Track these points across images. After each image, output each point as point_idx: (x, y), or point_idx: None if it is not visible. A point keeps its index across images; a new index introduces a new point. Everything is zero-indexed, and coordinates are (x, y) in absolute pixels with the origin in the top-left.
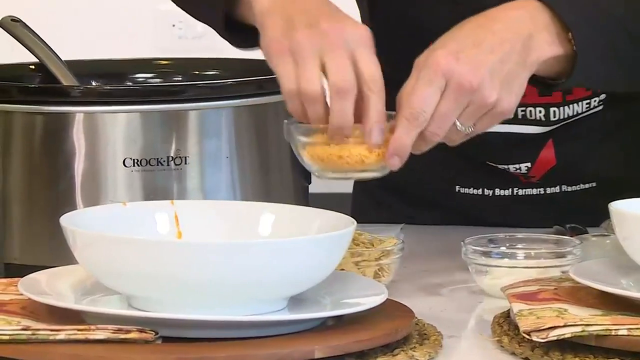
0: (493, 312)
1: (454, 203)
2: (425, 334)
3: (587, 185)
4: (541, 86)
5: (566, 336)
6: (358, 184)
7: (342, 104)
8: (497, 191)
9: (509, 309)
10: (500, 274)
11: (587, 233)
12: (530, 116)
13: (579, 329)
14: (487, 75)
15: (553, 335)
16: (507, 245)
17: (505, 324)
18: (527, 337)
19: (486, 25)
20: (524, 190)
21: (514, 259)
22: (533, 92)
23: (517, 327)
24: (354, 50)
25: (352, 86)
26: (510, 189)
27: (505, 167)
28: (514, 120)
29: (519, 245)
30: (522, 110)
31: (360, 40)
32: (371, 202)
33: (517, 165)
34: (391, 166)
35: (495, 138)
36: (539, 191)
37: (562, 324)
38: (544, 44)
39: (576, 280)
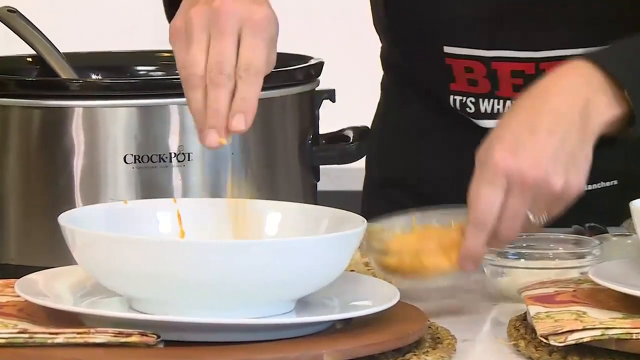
0: (509, 314)
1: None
2: (438, 338)
3: (608, 184)
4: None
5: (585, 340)
6: (368, 183)
7: (216, 91)
8: None
9: (525, 312)
10: (516, 275)
11: (607, 233)
12: None
13: (598, 332)
14: (549, 164)
15: (571, 339)
16: (524, 245)
17: (522, 327)
18: (545, 341)
19: (540, 104)
20: None
21: (531, 259)
22: None
23: (534, 331)
24: (241, 32)
25: (227, 71)
26: None
27: None
28: None
29: (537, 246)
30: None
31: (250, 22)
32: (383, 202)
33: None
34: (462, 267)
35: None
36: None
37: (581, 327)
38: (603, 108)
39: (596, 282)
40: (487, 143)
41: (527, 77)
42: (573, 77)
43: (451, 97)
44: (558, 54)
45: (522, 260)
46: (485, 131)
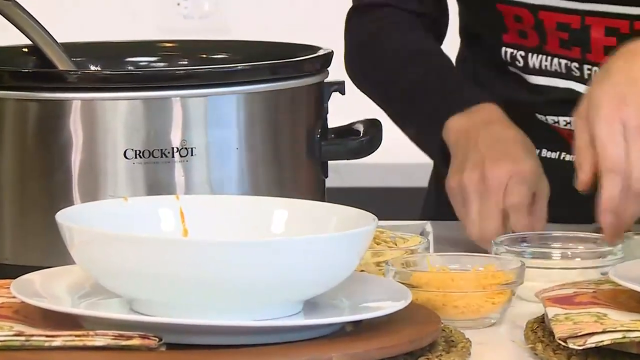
0: (526, 317)
1: None
2: (452, 341)
3: None
4: None
5: (605, 343)
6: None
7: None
8: (544, 152)
9: (543, 314)
10: (533, 275)
11: (630, 231)
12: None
13: (619, 335)
14: None
15: (591, 342)
16: (541, 244)
17: (540, 329)
18: (563, 344)
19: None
20: (572, 156)
21: (548, 259)
22: (601, 52)
23: (552, 334)
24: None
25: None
26: (557, 152)
27: (555, 119)
28: (578, 78)
29: (555, 245)
30: (588, 70)
31: (516, 174)
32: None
33: (567, 118)
34: (604, 224)
35: (552, 92)
36: None
37: (601, 330)
38: None
39: (617, 283)
40: (586, 102)
41: (572, 31)
42: None
43: (503, 49)
44: (608, 10)
45: (540, 259)
46: (534, 88)
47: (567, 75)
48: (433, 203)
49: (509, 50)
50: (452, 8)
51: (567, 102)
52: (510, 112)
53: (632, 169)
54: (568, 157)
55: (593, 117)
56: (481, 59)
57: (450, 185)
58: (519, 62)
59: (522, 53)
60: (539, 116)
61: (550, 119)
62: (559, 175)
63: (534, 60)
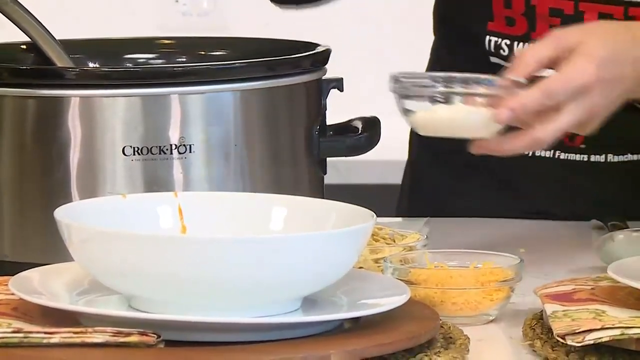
0: (524, 314)
1: (492, 164)
2: (450, 338)
3: (634, 157)
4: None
5: (604, 340)
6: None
7: None
8: (538, 151)
9: (541, 311)
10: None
11: (628, 228)
12: None
13: (618, 332)
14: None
15: (590, 338)
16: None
17: (538, 326)
18: (562, 340)
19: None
20: (566, 154)
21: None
22: None
23: (550, 330)
24: None
25: None
26: (552, 151)
27: None
28: None
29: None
30: None
31: None
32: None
33: None
34: (498, 118)
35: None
36: (583, 158)
37: (599, 327)
38: None
39: (615, 279)
40: (582, 32)
41: (565, 17)
42: None
43: (487, 37)
44: None
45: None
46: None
47: None
48: (408, 199)
49: (494, 38)
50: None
51: None
52: None
53: (561, 117)
54: (563, 156)
55: (579, 49)
56: (462, 49)
57: None
58: (504, 51)
59: (508, 41)
60: None
61: None
62: (555, 173)
63: (520, 48)
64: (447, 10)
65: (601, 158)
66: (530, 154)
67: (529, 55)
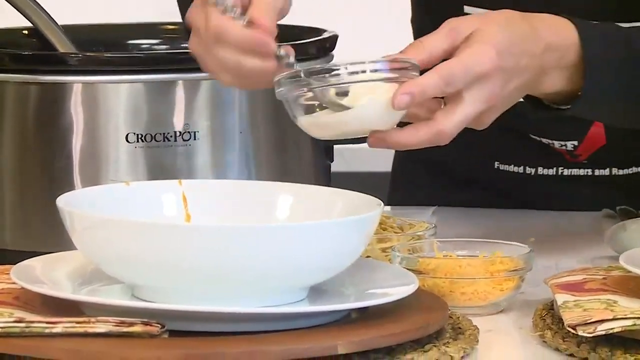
0: (535, 304)
1: (492, 181)
2: (459, 328)
3: None
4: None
5: (615, 330)
6: (397, 161)
7: None
8: (540, 170)
9: (552, 301)
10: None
11: (639, 217)
12: None
13: (629, 322)
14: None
15: (601, 329)
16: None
17: (549, 317)
18: (573, 331)
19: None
20: (569, 170)
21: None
22: None
23: (561, 321)
24: None
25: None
26: (554, 168)
27: (550, 142)
28: None
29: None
30: None
31: None
32: (407, 182)
33: (562, 142)
34: (396, 103)
35: None
36: (587, 172)
37: (611, 317)
38: (557, 80)
39: (627, 269)
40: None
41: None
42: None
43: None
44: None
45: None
46: None
47: None
48: (400, 186)
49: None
50: None
51: (558, 121)
52: (502, 135)
53: (463, 107)
54: (566, 172)
55: (478, 36)
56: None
57: None
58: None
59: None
60: (533, 137)
61: (545, 141)
62: (559, 189)
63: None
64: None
65: (605, 172)
66: (532, 172)
67: (423, 45)
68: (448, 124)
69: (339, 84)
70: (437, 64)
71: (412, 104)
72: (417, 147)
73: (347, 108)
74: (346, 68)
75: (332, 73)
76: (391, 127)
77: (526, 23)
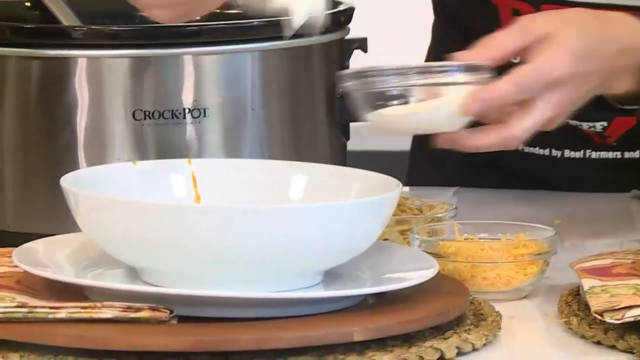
0: (560, 289)
1: (517, 164)
2: (481, 315)
3: None
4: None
5: None
6: (415, 140)
7: None
8: (567, 152)
9: (578, 286)
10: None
11: None
12: None
13: None
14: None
15: (629, 315)
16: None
17: (574, 302)
18: (600, 318)
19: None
20: (597, 153)
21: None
22: None
23: (587, 307)
24: None
25: None
26: (582, 151)
27: (578, 124)
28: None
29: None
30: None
31: None
32: (428, 162)
33: (591, 123)
34: (468, 110)
35: None
36: (616, 155)
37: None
38: (629, 81)
39: None
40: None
41: None
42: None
43: None
44: (622, 3)
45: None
46: None
47: None
48: (420, 166)
49: None
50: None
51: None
52: None
53: (535, 112)
54: (594, 155)
55: (552, 38)
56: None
57: None
58: (516, 58)
59: None
60: None
61: (573, 122)
62: (587, 172)
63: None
64: (454, 9)
65: (635, 154)
66: (558, 155)
67: (493, 43)
68: (518, 130)
69: (413, 84)
70: (507, 64)
71: (484, 111)
72: (486, 150)
73: (417, 108)
74: (420, 69)
75: (405, 73)
76: (459, 129)
77: (600, 24)
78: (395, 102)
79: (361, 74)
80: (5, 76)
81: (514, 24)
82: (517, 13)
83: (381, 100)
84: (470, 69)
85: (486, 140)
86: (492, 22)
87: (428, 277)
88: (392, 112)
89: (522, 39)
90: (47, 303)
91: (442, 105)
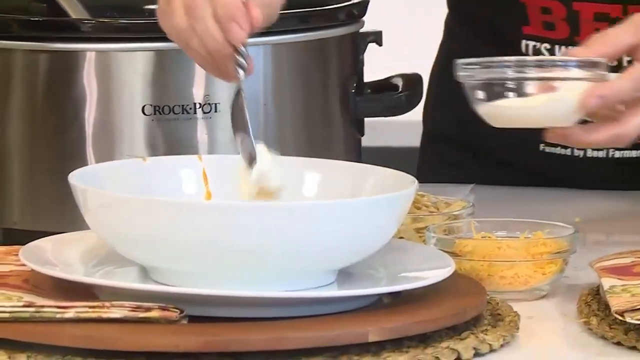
0: (579, 288)
1: (537, 164)
2: (499, 315)
3: None
4: None
5: None
6: (425, 139)
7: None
8: (590, 152)
9: (598, 285)
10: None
11: None
12: None
13: None
14: None
15: None
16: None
17: (594, 302)
18: (620, 318)
19: None
20: (621, 152)
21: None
22: None
23: (607, 307)
24: None
25: None
26: (605, 150)
27: None
28: (615, 69)
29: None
30: (628, 62)
31: None
32: (438, 160)
33: None
34: (585, 105)
35: None
36: (639, 153)
37: None
38: None
39: None
40: None
41: (613, 21)
42: None
43: (523, 42)
44: None
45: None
46: None
47: None
48: (428, 162)
49: (531, 43)
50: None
51: None
52: None
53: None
54: (617, 154)
55: None
56: (493, 50)
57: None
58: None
59: (547, 45)
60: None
61: None
62: (610, 172)
63: (564, 50)
64: (474, 4)
65: None
66: (581, 155)
67: (607, 39)
68: (630, 128)
69: (531, 77)
70: (624, 62)
71: (601, 107)
72: (596, 147)
73: (534, 102)
74: (537, 62)
75: (523, 65)
76: (572, 124)
77: None
78: (510, 94)
79: (478, 64)
80: (12, 70)
81: (626, 21)
82: (546, 11)
83: (496, 91)
84: (587, 64)
85: (597, 136)
86: (519, 21)
87: (444, 276)
88: (508, 103)
89: (635, 37)
90: (55, 302)
91: (559, 100)
